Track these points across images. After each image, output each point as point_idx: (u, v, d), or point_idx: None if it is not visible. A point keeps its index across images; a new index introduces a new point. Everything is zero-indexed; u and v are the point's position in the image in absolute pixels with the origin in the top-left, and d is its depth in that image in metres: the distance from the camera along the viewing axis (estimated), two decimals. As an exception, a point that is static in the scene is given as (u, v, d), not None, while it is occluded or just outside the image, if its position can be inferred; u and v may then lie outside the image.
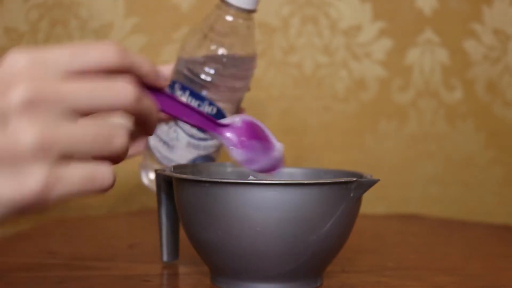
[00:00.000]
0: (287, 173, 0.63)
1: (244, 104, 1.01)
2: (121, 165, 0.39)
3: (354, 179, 0.49)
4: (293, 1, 0.97)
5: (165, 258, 0.60)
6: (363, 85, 0.99)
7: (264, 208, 0.47)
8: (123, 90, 0.36)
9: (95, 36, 0.95)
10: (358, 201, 0.51)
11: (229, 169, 0.62)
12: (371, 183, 0.49)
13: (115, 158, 0.37)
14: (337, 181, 0.49)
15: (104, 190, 0.36)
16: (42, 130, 0.32)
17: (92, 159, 0.35)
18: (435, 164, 1.00)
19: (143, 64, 0.38)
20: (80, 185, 0.34)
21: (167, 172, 0.54)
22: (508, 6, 0.99)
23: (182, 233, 0.58)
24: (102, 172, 0.36)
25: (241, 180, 0.48)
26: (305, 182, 0.48)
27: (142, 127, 0.39)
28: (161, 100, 0.41)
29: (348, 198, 0.49)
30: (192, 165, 0.60)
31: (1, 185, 0.32)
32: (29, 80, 0.33)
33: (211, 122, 0.46)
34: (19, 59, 0.33)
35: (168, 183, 0.58)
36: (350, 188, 0.49)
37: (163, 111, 0.42)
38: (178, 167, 0.57)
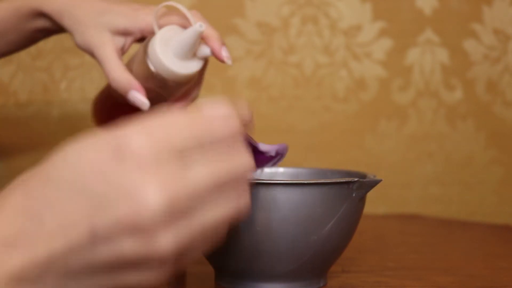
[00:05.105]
0: (289, 173, 0.63)
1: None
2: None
3: (356, 179, 0.49)
4: (293, 1, 0.97)
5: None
6: (363, 85, 0.99)
7: (265, 208, 0.47)
8: (243, 170, 0.34)
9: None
10: (361, 201, 0.51)
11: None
12: (373, 183, 0.49)
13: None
14: (339, 181, 0.49)
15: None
16: (178, 238, 0.31)
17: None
18: (435, 164, 1.00)
19: (249, 119, 0.37)
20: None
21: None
22: (508, 6, 0.99)
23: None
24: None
25: (241, 180, 0.48)
26: (305, 182, 0.48)
27: None
28: None
29: (350, 198, 0.49)
30: None
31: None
32: (159, 182, 0.30)
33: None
34: (141, 146, 0.31)
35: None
36: (352, 188, 0.49)
37: None
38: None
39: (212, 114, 0.34)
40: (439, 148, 1.00)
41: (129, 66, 0.61)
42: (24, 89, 0.96)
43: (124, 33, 0.59)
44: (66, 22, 0.60)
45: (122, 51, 0.60)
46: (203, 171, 0.32)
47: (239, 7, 0.97)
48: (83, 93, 0.97)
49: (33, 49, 0.95)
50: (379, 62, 0.99)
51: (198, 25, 0.54)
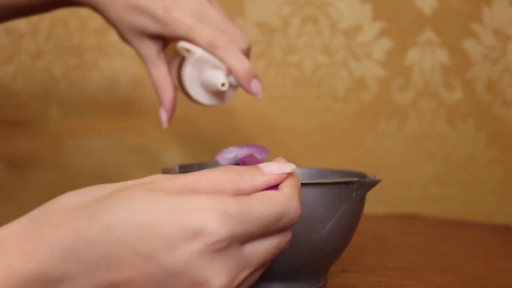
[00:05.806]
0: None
1: (244, 104, 1.01)
2: (126, 161, 0.39)
3: (356, 179, 0.49)
4: (293, 1, 0.97)
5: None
6: (363, 85, 0.99)
7: (265, 208, 0.47)
8: (287, 243, 0.38)
9: (95, 36, 0.95)
10: (361, 201, 0.51)
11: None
12: (373, 183, 0.49)
13: None
14: (339, 181, 0.49)
15: None
16: None
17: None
18: (435, 164, 1.00)
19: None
20: None
21: (172, 172, 0.54)
22: (508, 6, 0.99)
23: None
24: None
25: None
26: (305, 182, 0.48)
27: None
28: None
29: (350, 198, 0.49)
30: (198, 165, 0.60)
31: None
32: (223, 269, 0.33)
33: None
34: (217, 234, 0.33)
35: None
36: (352, 188, 0.49)
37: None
38: (184, 167, 0.57)
39: (285, 212, 0.36)
40: (439, 148, 1.00)
41: (171, 64, 0.62)
42: (24, 89, 0.96)
43: (159, 37, 0.59)
44: (102, 16, 0.60)
45: (164, 48, 0.61)
46: (257, 251, 0.35)
47: (239, 7, 0.97)
48: (83, 93, 0.97)
49: (33, 49, 0.95)
50: (379, 62, 0.99)
51: (220, 85, 0.55)
